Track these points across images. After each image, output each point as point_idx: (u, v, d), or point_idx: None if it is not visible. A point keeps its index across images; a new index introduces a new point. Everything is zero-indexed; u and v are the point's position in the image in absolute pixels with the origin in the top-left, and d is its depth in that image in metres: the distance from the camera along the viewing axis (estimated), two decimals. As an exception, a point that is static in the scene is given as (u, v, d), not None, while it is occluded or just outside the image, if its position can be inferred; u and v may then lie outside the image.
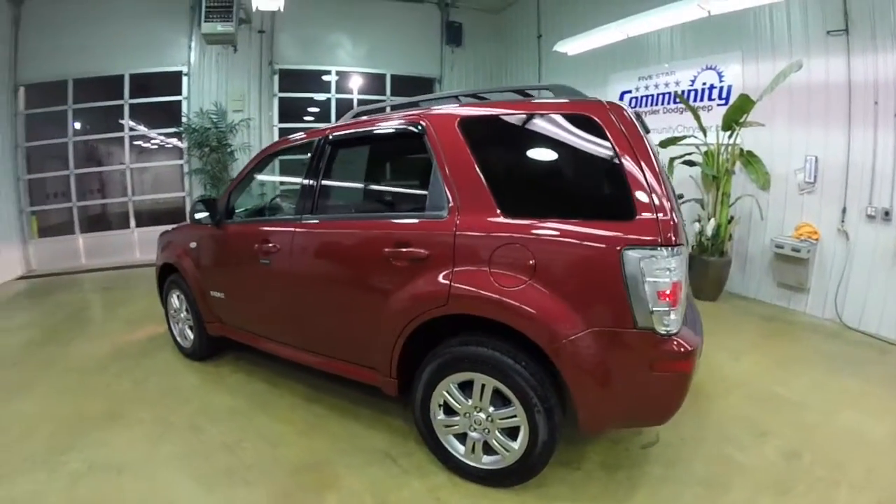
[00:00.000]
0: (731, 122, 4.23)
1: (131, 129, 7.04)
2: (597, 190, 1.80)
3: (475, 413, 1.96)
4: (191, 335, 3.36)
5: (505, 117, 1.96)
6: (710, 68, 4.82)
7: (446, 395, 2.00)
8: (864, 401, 2.72)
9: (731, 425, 2.49)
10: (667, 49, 5.36)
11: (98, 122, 7.13)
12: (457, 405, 2.00)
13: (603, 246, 1.64)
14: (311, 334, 2.55)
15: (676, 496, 1.98)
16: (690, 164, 4.68)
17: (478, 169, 1.90)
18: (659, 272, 1.57)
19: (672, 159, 4.74)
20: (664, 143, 4.79)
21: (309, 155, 2.55)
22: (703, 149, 4.66)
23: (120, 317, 4.51)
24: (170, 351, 3.58)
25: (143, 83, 6.84)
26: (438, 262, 1.91)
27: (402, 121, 2.21)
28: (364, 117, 2.54)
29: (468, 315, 1.86)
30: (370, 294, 2.13)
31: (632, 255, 1.59)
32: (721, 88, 4.71)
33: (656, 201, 1.60)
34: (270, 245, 2.57)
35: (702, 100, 4.92)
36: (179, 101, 6.92)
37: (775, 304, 4.45)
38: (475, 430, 1.98)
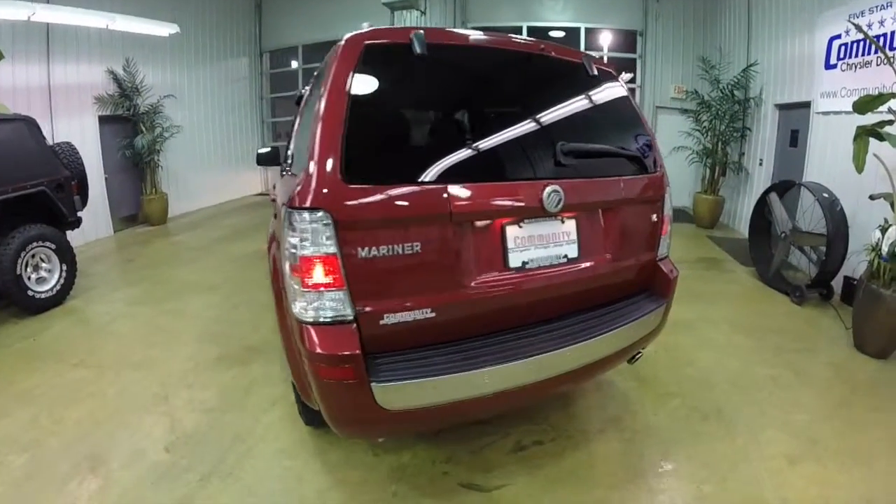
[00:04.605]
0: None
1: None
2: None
3: None
4: (277, 248, 4.83)
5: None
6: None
7: None
8: None
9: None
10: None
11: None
12: None
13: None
14: None
15: None
16: (879, 137, 3.33)
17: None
18: (290, 237, 1.41)
19: (861, 129, 3.46)
20: (858, 107, 3.51)
21: None
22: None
23: (280, 231, 6.58)
24: (274, 258, 5.21)
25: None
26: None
27: None
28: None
29: None
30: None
31: (285, 213, 1.50)
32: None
33: (316, 152, 1.43)
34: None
35: (933, 37, 3.32)
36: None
37: None
38: None
